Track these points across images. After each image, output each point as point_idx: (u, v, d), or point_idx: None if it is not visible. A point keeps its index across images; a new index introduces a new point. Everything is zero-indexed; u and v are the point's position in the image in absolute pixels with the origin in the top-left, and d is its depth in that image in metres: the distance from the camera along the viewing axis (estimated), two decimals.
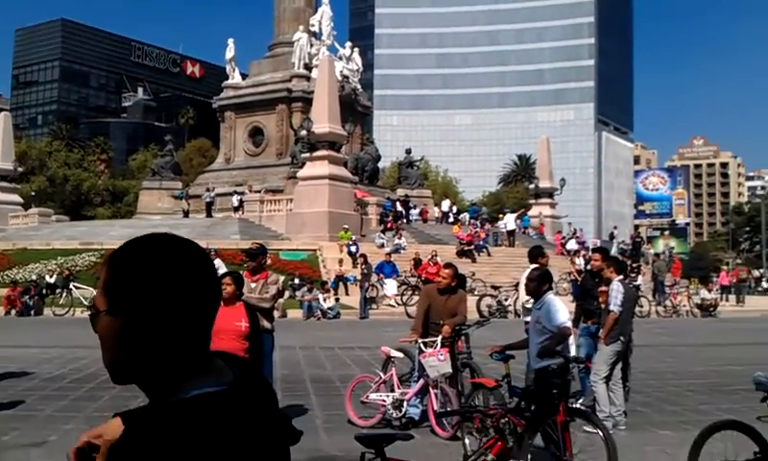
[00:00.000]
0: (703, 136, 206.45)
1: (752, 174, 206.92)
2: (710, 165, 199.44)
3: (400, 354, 10.13)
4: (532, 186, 57.09)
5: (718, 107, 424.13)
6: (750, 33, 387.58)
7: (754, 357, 16.07)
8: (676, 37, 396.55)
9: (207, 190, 45.23)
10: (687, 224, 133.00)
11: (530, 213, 52.68)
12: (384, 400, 9.37)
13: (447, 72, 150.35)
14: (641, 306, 27.50)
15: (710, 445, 5.96)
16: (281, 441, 1.49)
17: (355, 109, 51.07)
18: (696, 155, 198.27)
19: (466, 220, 46.56)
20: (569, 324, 7.07)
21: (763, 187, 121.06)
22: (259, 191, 43.91)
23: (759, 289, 54.53)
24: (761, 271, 65.00)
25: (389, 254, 31.98)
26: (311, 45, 48.42)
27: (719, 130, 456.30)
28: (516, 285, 18.73)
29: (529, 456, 6.47)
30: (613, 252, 37.04)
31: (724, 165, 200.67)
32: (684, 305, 32.26)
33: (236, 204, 42.75)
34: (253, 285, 8.84)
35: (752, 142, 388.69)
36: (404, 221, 43.14)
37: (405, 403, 9.24)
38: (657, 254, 47.31)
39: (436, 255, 30.05)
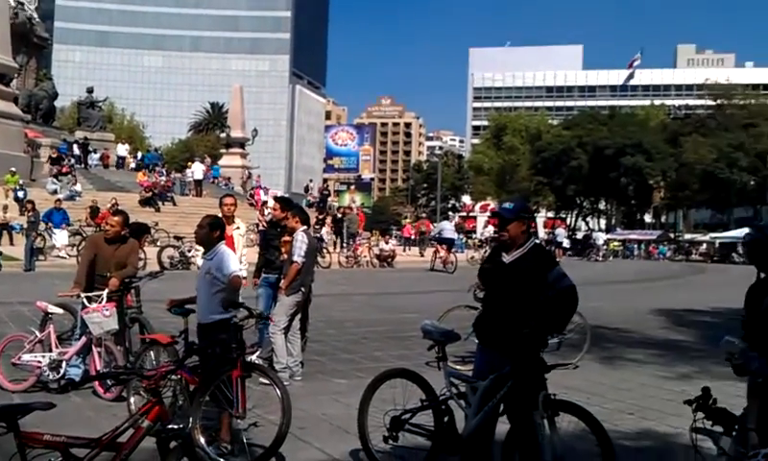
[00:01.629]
0: (390, 96, 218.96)
1: (431, 134, 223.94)
2: (396, 124, 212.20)
3: (60, 310, 9.12)
4: (224, 135, 56.21)
5: (406, 69, 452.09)
6: (441, 4, 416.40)
7: (426, 305, 17.06)
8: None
9: None
10: (372, 179, 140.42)
11: (221, 162, 51.91)
12: (39, 362, 8.33)
13: (135, 9, 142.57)
14: (324, 257, 28.27)
15: (381, 392, 5.95)
16: None
17: (30, 41, 46.26)
18: (383, 114, 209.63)
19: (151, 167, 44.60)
20: (242, 273, 6.66)
21: (440, 147, 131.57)
22: None
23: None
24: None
25: (59, 201, 29.44)
26: None
27: (405, 91, 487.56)
28: None
29: (201, 414, 6.03)
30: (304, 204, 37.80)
31: (408, 125, 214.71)
32: (365, 256, 33.82)
33: None
34: None
35: (432, 105, 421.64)
36: (82, 166, 40.09)
37: (65, 364, 8.29)
38: (341, 207, 49.06)
39: (117, 204, 28.20)
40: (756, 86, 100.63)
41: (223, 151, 55.23)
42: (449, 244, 32.71)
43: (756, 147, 68.00)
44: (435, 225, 46.23)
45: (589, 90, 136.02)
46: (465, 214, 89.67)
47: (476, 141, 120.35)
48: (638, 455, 6.53)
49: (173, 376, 6.18)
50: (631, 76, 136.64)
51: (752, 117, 74.00)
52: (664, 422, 7.80)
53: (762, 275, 4.65)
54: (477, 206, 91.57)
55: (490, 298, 5.44)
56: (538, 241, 5.56)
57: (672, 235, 72.98)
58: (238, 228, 10.25)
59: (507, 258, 5.24)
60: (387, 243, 36.33)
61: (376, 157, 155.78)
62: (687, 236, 74.10)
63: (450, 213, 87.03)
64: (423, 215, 78.28)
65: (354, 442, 6.17)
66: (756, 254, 4.61)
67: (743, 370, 3.51)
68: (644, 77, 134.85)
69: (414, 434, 5.65)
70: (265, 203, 38.59)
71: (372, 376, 6.32)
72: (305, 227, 9.58)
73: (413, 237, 44.99)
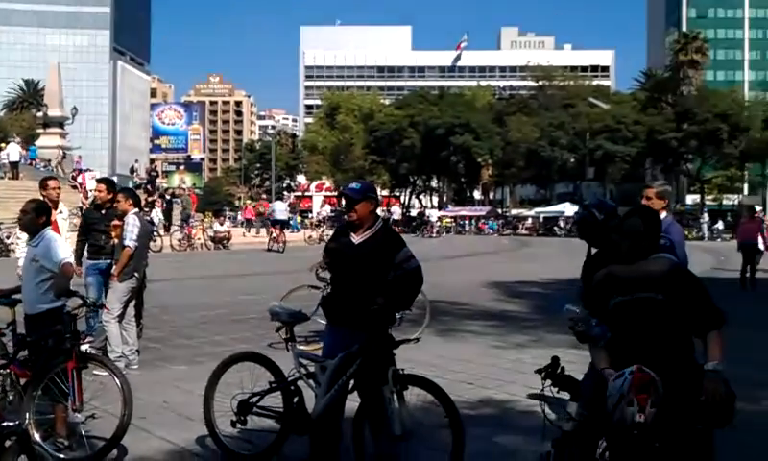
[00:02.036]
0: (219, 74, 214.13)
1: (263, 113, 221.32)
2: (226, 102, 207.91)
3: None
4: (40, 114, 52.70)
5: (236, 47, 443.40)
6: None
7: (264, 286, 16.87)
8: None
9: None
10: (202, 159, 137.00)
11: (38, 143, 48.77)
12: None
13: None
14: (155, 240, 27.31)
15: (228, 376, 5.80)
16: None
17: None
18: (212, 92, 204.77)
19: None
20: (71, 260, 6.23)
21: (273, 127, 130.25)
22: None
23: None
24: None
25: None
26: None
27: (235, 70, 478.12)
28: None
29: (34, 409, 5.64)
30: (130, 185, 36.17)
31: (238, 103, 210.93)
32: (199, 239, 32.99)
33: None
34: None
35: (264, 84, 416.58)
36: None
37: None
38: (169, 189, 47.53)
39: None
40: (574, 68, 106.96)
41: (40, 131, 51.83)
42: (282, 225, 32.67)
43: (575, 126, 72.27)
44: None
45: (419, 71, 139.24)
46: (300, 194, 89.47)
47: (309, 120, 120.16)
48: (480, 423, 6.72)
49: (1, 371, 5.88)
50: (458, 57, 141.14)
51: (571, 98, 78.52)
52: (503, 389, 8.09)
53: (593, 250, 4.96)
54: (312, 186, 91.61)
55: (338, 277, 5.45)
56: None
57: (500, 211, 76.33)
58: (61, 212, 9.63)
59: (356, 239, 5.26)
60: (222, 224, 35.61)
61: (206, 136, 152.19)
62: (514, 211, 77.77)
63: (285, 193, 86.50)
64: (264, 196, 77.35)
65: (200, 429, 5.99)
66: (585, 232, 4.96)
67: (585, 336, 3.68)
68: (471, 58, 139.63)
69: (263, 417, 5.55)
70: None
71: (212, 361, 6.18)
72: (137, 209, 9.13)
73: (253, 218, 44.43)
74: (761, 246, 20.04)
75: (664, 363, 3.58)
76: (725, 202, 74.86)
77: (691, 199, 74.88)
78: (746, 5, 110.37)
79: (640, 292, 3.68)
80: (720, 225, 56.77)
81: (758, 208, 28.06)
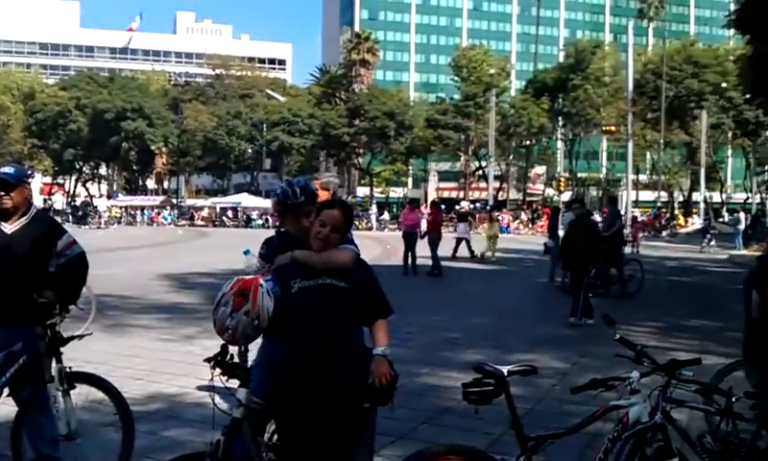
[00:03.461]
0: None
1: None
2: None
3: None
4: None
5: None
6: None
7: None
8: None
9: None
10: None
11: None
12: None
13: None
14: None
15: None
16: None
17: None
18: None
19: None
20: None
21: None
22: None
23: None
24: None
25: None
26: None
27: None
28: None
29: None
30: None
31: None
32: None
33: None
34: None
35: None
36: None
37: None
38: None
39: None
40: (251, 59, 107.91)
41: None
42: None
43: (252, 117, 73.02)
44: None
45: (87, 50, 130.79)
46: None
47: None
48: (150, 417, 6.52)
49: None
50: (131, 39, 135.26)
51: (248, 88, 79.08)
52: (173, 383, 7.91)
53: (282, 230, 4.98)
54: None
55: None
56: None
57: (175, 201, 74.64)
58: None
59: (8, 227, 4.82)
60: None
61: None
62: (190, 201, 76.49)
63: None
64: None
65: None
66: (283, 209, 4.87)
67: None
68: (145, 41, 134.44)
69: None
70: None
71: None
72: None
73: None
74: (421, 234, 21.99)
75: (340, 346, 3.75)
76: (392, 194, 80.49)
77: (362, 191, 79.46)
78: (413, 10, 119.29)
79: (327, 278, 3.81)
80: (387, 216, 61.08)
81: (433, 201, 30.58)
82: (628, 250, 23.31)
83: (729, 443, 4.40)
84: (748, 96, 27.22)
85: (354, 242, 4.23)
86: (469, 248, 26.51)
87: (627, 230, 29.58)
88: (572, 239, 13.21)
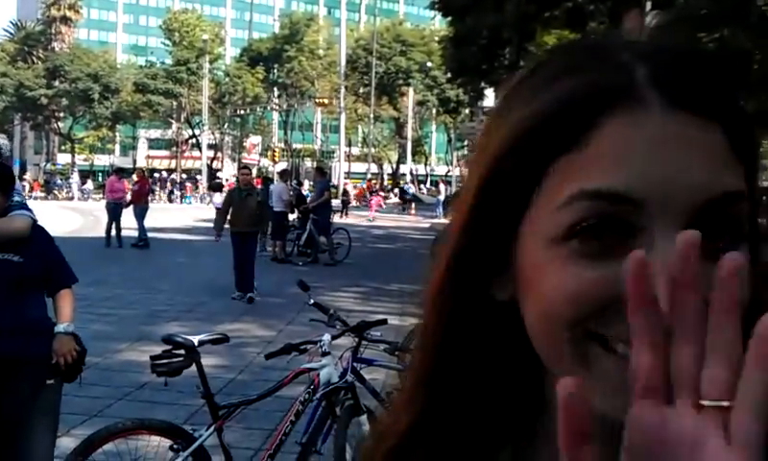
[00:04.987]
0: None
1: None
2: None
3: None
4: None
5: None
6: None
7: None
8: None
9: None
10: None
11: None
12: None
13: None
14: None
15: None
16: None
17: None
18: None
19: None
20: None
21: None
22: None
23: None
24: None
25: None
26: None
27: None
28: None
29: None
30: None
31: None
32: None
33: None
34: None
35: None
36: None
37: None
38: None
39: None
40: None
41: None
42: None
43: None
44: None
45: None
46: None
47: None
48: None
49: None
50: None
51: None
52: None
53: None
54: None
55: None
56: None
57: None
58: None
59: None
60: None
61: None
62: None
63: None
64: None
65: None
66: None
67: None
68: None
69: None
70: None
71: None
72: None
73: None
74: (125, 204, 20.90)
75: (11, 322, 3.51)
76: (96, 162, 76.02)
77: (63, 158, 74.07)
78: None
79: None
80: (90, 185, 57.47)
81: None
82: (337, 219, 24.16)
83: None
84: (449, 76, 29.17)
85: (29, 207, 3.84)
86: None
87: (337, 201, 30.66)
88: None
